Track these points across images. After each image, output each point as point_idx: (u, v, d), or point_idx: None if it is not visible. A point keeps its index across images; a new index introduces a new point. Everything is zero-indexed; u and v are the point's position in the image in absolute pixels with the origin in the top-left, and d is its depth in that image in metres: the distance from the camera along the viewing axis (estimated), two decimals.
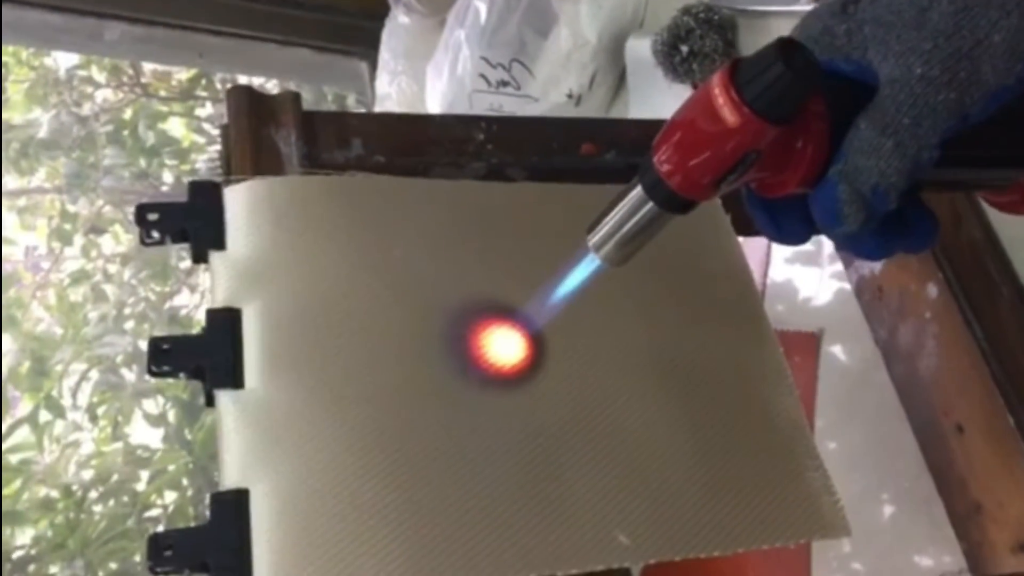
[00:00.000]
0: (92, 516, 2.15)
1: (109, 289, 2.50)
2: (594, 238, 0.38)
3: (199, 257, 0.47)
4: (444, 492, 0.41)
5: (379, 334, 0.45)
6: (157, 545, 0.38)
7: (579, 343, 0.48)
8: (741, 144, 0.34)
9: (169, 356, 0.43)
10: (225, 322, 0.44)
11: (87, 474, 2.21)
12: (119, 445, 2.27)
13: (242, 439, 0.41)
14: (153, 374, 0.43)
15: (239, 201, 0.47)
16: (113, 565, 2.09)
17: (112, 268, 2.55)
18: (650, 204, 0.36)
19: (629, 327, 0.49)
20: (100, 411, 2.29)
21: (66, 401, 2.28)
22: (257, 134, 0.50)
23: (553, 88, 1.18)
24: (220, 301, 0.45)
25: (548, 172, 0.54)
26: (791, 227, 0.39)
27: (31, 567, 2.10)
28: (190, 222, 0.47)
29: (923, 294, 0.80)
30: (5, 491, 2.10)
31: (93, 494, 2.18)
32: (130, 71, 2.54)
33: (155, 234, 0.46)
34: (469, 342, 0.46)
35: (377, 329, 0.45)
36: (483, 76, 1.20)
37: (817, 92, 0.35)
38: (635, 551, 0.42)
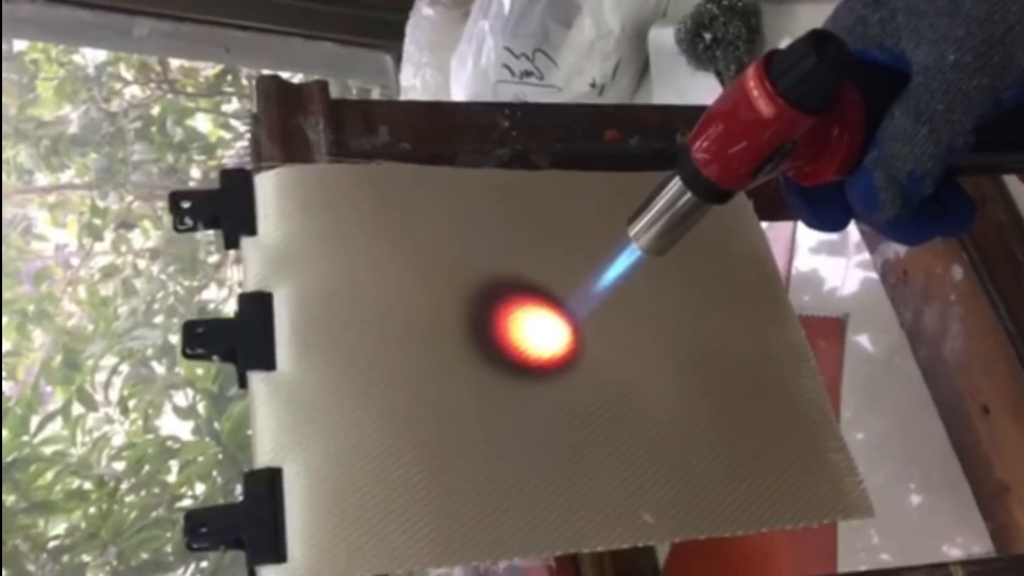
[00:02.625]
0: (124, 506, 2.18)
1: (139, 283, 2.53)
2: (635, 228, 0.39)
3: (231, 243, 0.48)
4: (471, 470, 0.42)
5: (406, 317, 0.46)
6: (193, 522, 0.39)
7: (604, 328, 0.48)
8: (776, 134, 0.34)
9: (203, 339, 0.44)
10: (257, 306, 0.45)
11: (119, 465, 2.24)
12: (150, 437, 2.30)
13: (274, 419, 0.42)
14: (188, 356, 0.44)
15: (269, 188, 0.48)
16: (145, 554, 2.13)
17: (142, 263, 2.58)
18: (688, 194, 0.37)
19: (652, 311, 0.50)
20: (131, 404, 2.32)
21: (98, 394, 2.31)
22: (286, 122, 0.51)
23: (577, 78, 1.18)
24: (252, 285, 0.46)
25: (572, 158, 0.54)
26: (829, 214, 0.39)
27: (65, 557, 2.14)
28: (222, 209, 0.48)
29: (948, 276, 0.80)
30: (39, 482, 2.14)
31: (125, 485, 2.21)
32: (158, 67, 2.56)
33: (188, 221, 0.47)
34: (495, 327, 0.47)
35: (404, 312, 0.46)
36: (507, 66, 1.20)
37: (851, 81, 0.35)
38: (659, 530, 0.43)
